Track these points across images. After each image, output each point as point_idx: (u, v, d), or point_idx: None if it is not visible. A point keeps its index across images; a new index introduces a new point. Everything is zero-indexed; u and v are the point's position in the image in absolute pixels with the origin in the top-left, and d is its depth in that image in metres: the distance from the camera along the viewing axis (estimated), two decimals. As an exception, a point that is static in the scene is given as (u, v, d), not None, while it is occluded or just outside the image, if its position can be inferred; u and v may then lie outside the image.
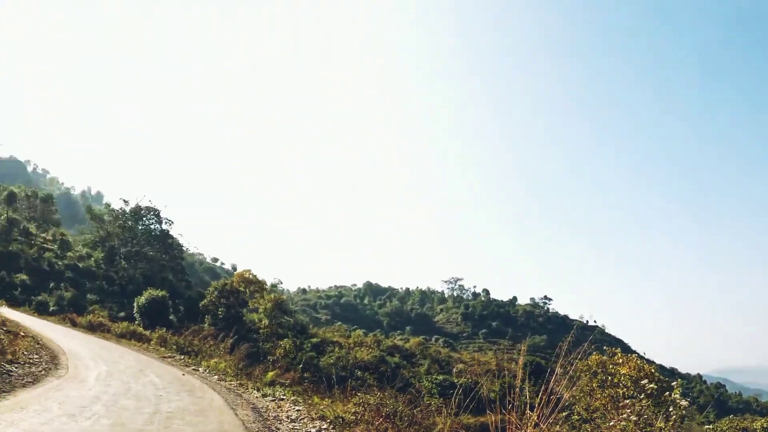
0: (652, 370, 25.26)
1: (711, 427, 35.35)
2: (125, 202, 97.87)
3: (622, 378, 17.52)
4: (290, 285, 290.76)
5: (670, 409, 11.99)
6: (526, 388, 10.64)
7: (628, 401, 13.37)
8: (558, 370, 10.47)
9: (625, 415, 11.94)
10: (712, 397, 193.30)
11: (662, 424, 11.45)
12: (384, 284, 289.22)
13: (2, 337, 23.55)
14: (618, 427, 11.78)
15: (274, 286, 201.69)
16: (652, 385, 12.95)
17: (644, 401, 12.43)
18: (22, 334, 29.06)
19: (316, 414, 18.38)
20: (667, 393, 12.72)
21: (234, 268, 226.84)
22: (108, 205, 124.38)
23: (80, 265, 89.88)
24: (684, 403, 12.06)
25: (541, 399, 10.36)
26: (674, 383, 13.12)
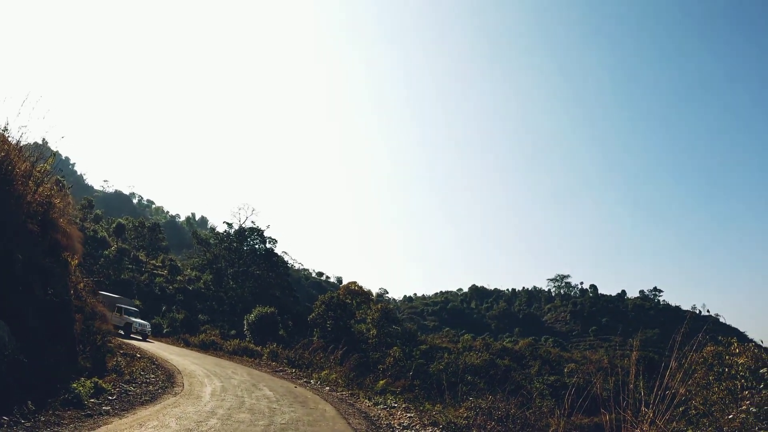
0: (769, 357, 24.22)
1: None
2: (229, 225, 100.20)
3: (740, 369, 16.86)
4: (396, 294, 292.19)
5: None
6: (640, 384, 10.40)
7: (746, 392, 12.90)
8: (672, 363, 10.19)
9: (744, 407, 11.54)
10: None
11: (785, 415, 11.00)
12: (490, 287, 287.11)
13: (120, 359, 24.32)
14: (738, 420, 11.38)
15: (380, 295, 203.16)
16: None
17: (764, 392, 11.97)
18: (138, 355, 29.97)
19: (428, 420, 18.39)
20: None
21: (339, 281, 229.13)
22: (213, 229, 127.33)
23: (190, 287, 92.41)
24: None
25: (656, 395, 10.10)
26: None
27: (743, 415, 11.32)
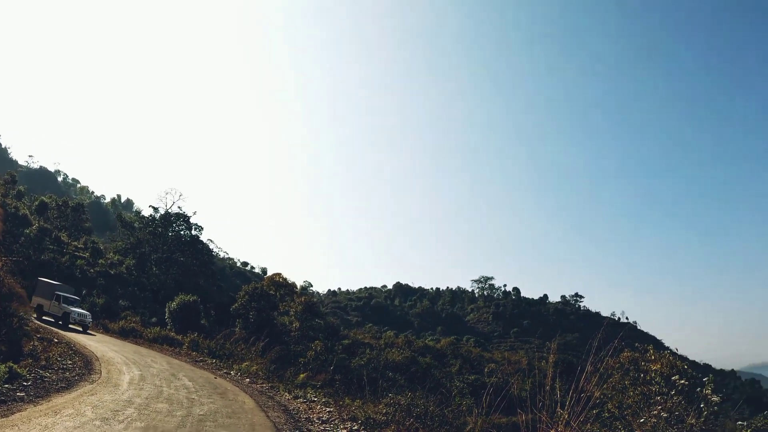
0: (685, 367, 24.98)
1: (744, 423, 34.78)
2: (155, 209, 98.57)
3: (654, 375, 17.36)
4: (320, 287, 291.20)
5: (701, 405, 11.88)
6: (557, 386, 10.61)
7: (659, 398, 13.28)
8: (588, 367, 10.43)
9: (656, 412, 11.87)
10: (747, 394, 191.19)
11: (693, 420, 11.36)
12: (414, 285, 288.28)
13: (36, 344, 23.81)
14: (649, 423, 11.71)
15: (304, 288, 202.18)
16: (683, 381, 12.82)
17: (675, 398, 12.34)
18: (56, 340, 29.36)
19: (347, 415, 18.43)
20: (699, 389, 12.61)
21: (264, 272, 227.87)
22: (138, 213, 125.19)
23: (112, 272, 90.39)
24: (716, 398, 11.95)
25: (572, 397, 10.31)
26: (705, 379, 13.00)
27: (654, 420, 11.65)
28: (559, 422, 10.32)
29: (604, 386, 18.65)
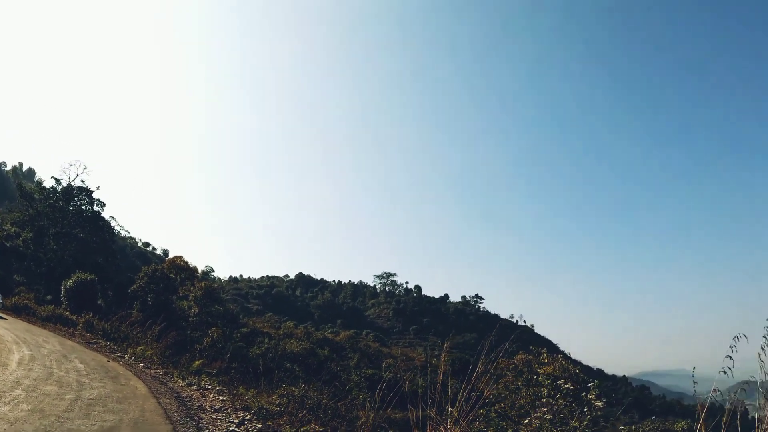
0: (577, 371, 25.73)
1: (633, 427, 36.05)
2: (57, 181, 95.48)
3: (542, 377, 17.87)
4: (222, 273, 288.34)
5: (585, 409, 12.31)
6: (449, 384, 10.83)
7: (544, 400, 13.70)
8: (479, 367, 10.69)
9: (540, 414, 12.25)
10: (636, 399, 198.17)
11: (577, 423, 11.77)
12: (316, 276, 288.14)
13: None
14: (533, 425, 12.07)
15: (205, 273, 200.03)
16: (567, 385, 13.29)
17: (561, 401, 12.76)
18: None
19: (240, 404, 18.39)
20: (584, 393, 13.06)
21: (166, 254, 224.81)
22: (39, 183, 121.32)
23: (8, 243, 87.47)
24: (599, 403, 12.41)
25: (463, 396, 10.55)
26: (591, 384, 13.46)
27: (537, 422, 12.03)
28: (449, 419, 10.55)
29: (499, 386, 19.07)
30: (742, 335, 8.28)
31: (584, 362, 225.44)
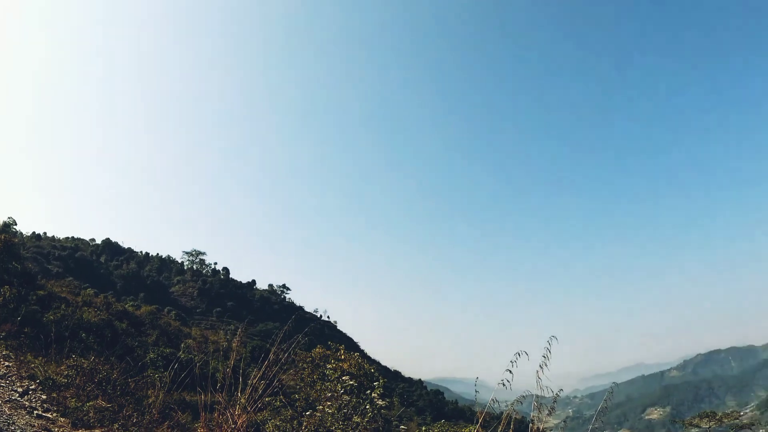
0: (372, 370, 26.42)
1: (404, 428, 37.40)
2: None
3: (330, 372, 18.32)
4: (25, 228, 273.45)
5: (367, 407, 12.75)
6: (241, 369, 10.91)
7: (329, 394, 14.06)
8: (270, 356, 10.85)
9: (322, 407, 12.58)
10: (431, 402, 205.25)
11: (359, 419, 12.17)
12: (124, 244, 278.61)
13: None
14: (315, 418, 12.37)
15: (7, 225, 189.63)
16: (351, 382, 13.70)
17: (345, 397, 13.13)
18: None
19: (26, 372, 17.75)
20: (369, 391, 13.51)
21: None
22: None
23: None
24: (381, 402, 12.88)
25: (252, 382, 10.66)
26: (376, 383, 13.96)
27: (319, 414, 12.35)
28: (236, 405, 10.63)
29: (296, 378, 19.32)
30: (523, 352, 8.88)
31: (383, 362, 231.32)
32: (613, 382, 12.06)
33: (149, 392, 15.88)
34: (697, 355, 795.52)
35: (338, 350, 26.32)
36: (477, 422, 9.58)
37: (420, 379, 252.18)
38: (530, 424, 9.22)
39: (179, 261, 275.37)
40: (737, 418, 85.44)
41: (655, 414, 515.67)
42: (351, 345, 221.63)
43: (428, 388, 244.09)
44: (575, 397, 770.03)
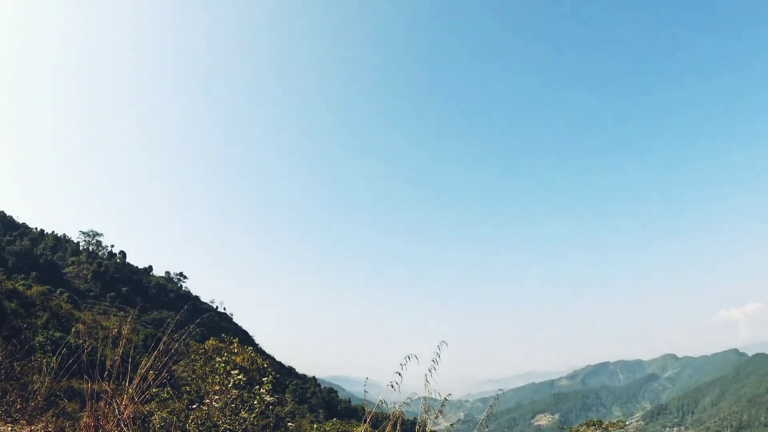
0: (264, 365, 26.44)
1: (316, 426, 37.78)
2: None
3: (218, 365, 18.32)
4: None
5: (255, 402, 12.82)
6: (129, 359, 10.81)
7: (217, 387, 14.06)
8: (161, 346, 10.80)
9: (208, 401, 12.58)
10: (324, 400, 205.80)
11: (246, 414, 12.22)
12: (19, 219, 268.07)
13: None
14: (202, 411, 12.35)
15: None
16: (240, 376, 13.73)
17: (234, 391, 13.15)
18: None
19: None
20: (257, 387, 13.57)
21: None
22: None
23: None
24: (269, 398, 12.97)
25: (141, 372, 10.59)
26: (265, 379, 14.04)
27: (206, 408, 12.34)
28: (123, 394, 10.52)
29: (188, 370, 19.18)
30: (413, 356, 9.14)
31: (278, 358, 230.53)
32: (500, 389, 12.46)
33: (35, 377, 15.56)
34: (587, 366, 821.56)
35: (232, 343, 26.28)
36: (365, 421, 9.81)
37: (314, 377, 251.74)
38: (417, 426, 9.45)
39: (75, 241, 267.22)
40: (623, 427, 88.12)
41: (544, 420, 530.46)
42: (246, 339, 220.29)
43: (322, 386, 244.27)
44: (467, 401, 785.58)
